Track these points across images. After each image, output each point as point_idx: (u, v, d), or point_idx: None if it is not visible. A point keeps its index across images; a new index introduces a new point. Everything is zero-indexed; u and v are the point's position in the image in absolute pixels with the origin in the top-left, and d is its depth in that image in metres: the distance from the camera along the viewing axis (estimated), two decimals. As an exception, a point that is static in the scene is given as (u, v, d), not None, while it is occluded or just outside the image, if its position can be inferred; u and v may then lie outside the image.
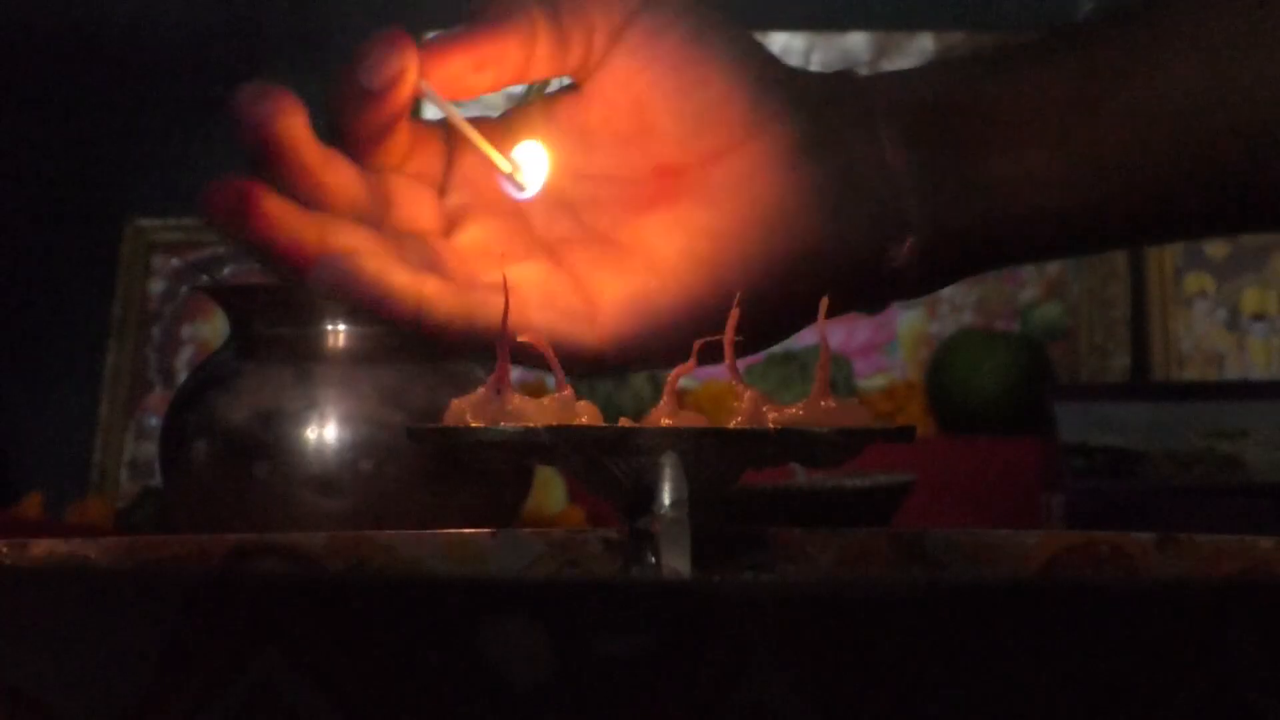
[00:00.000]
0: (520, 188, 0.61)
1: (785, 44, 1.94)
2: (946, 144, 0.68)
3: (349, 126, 0.62)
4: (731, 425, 0.55)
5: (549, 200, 0.64)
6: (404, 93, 0.61)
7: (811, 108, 0.66)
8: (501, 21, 0.62)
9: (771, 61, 0.66)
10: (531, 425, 0.54)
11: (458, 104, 0.62)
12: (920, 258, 0.66)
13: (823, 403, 0.55)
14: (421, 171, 0.63)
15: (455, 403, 0.55)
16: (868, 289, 0.66)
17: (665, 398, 0.56)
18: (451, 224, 0.63)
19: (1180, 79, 0.69)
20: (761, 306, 0.60)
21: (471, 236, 0.63)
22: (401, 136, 0.62)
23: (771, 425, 0.55)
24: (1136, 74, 0.69)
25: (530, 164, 0.61)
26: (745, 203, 0.64)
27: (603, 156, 0.65)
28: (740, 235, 0.63)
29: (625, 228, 0.65)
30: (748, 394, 0.56)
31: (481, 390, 0.55)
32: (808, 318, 0.65)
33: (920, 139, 0.67)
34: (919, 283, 0.67)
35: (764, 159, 0.65)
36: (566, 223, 0.65)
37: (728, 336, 0.57)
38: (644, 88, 0.64)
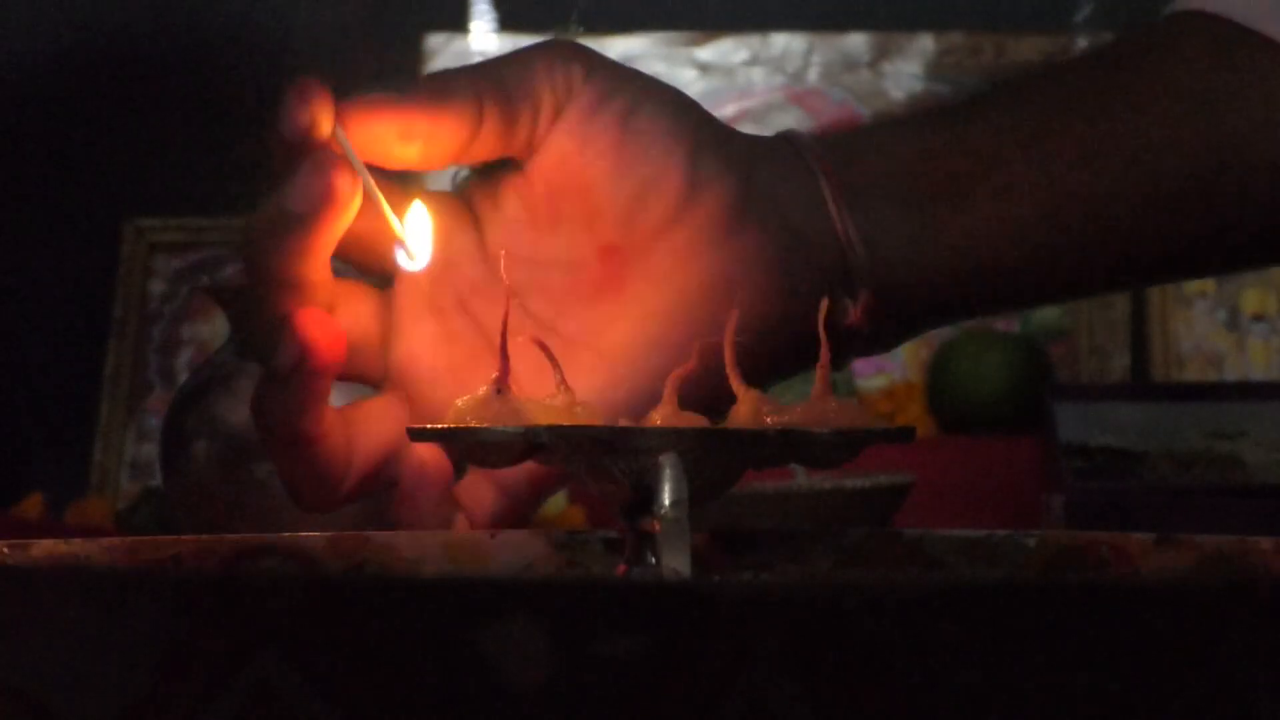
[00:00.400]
0: (410, 258, 0.61)
1: (785, 44, 1.94)
2: (892, 201, 0.67)
3: (277, 245, 0.60)
4: (731, 426, 0.55)
5: (495, 291, 0.64)
6: (318, 143, 0.60)
7: (747, 169, 0.65)
8: (442, 98, 0.61)
9: (707, 125, 0.65)
10: (532, 425, 0.54)
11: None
12: (872, 315, 0.66)
13: (823, 403, 0.55)
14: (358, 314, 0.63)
15: (456, 402, 0.55)
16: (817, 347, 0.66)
17: (665, 398, 0.56)
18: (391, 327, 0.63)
19: (1130, 126, 0.69)
20: (719, 375, 0.58)
21: (411, 344, 0.63)
22: (324, 271, 0.61)
23: (772, 426, 0.55)
24: (1083, 123, 0.69)
25: (417, 236, 0.61)
26: (691, 277, 0.64)
27: (548, 239, 0.65)
28: (688, 312, 0.63)
29: (573, 319, 0.64)
30: (748, 395, 0.56)
31: (482, 390, 0.55)
32: (770, 376, 0.65)
33: (865, 197, 0.67)
34: (874, 340, 0.67)
35: (704, 229, 0.64)
36: (514, 316, 0.64)
37: (728, 338, 0.57)
38: (582, 167, 0.63)
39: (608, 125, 0.63)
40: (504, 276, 0.57)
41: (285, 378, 0.59)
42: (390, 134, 0.61)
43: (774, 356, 0.64)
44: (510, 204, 0.64)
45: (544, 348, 0.56)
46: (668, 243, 0.64)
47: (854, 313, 0.66)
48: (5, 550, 0.53)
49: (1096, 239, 0.69)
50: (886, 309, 0.66)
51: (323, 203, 0.59)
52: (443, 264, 0.63)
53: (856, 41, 1.93)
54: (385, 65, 1.90)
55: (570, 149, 0.63)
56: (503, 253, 0.60)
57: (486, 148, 0.63)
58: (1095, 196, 0.69)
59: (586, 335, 0.63)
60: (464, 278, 0.64)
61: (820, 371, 0.56)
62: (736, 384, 0.56)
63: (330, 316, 0.60)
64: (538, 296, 0.64)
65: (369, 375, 0.63)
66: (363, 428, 0.62)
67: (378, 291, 0.64)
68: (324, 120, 0.60)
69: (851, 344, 0.67)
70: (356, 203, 0.60)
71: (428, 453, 0.62)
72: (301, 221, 0.59)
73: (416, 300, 0.64)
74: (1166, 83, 0.70)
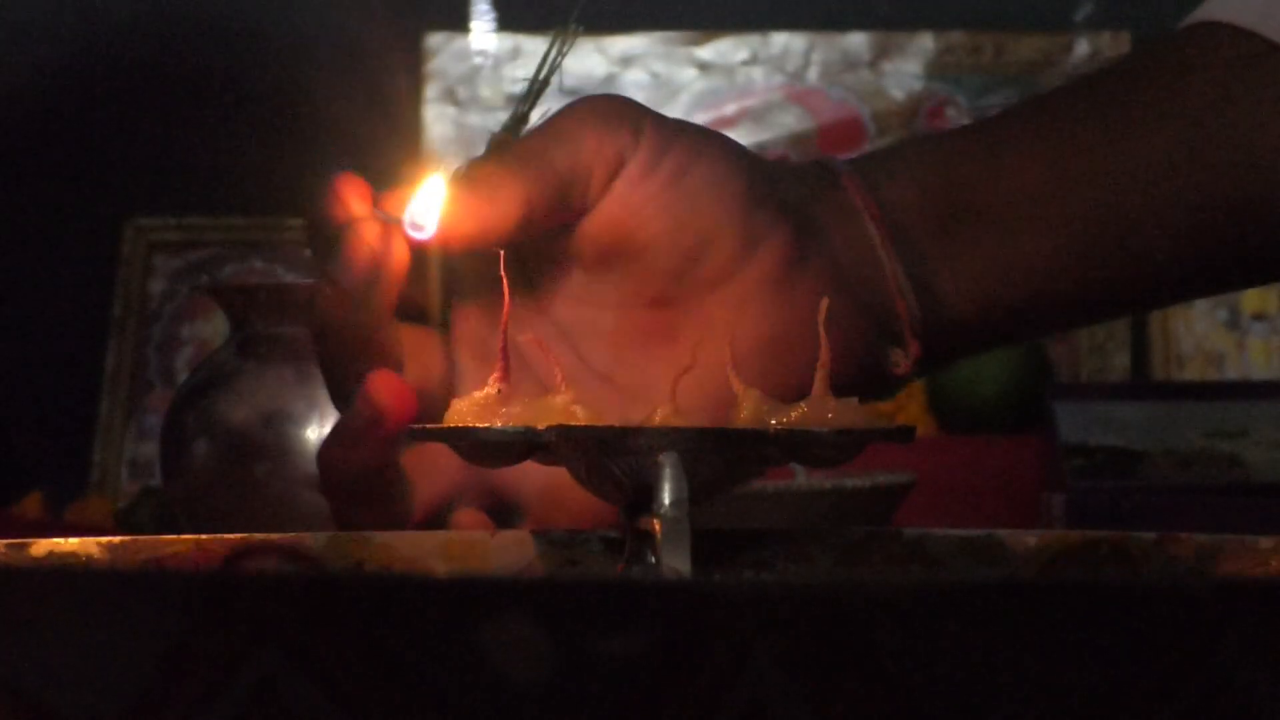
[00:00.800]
0: (419, 228, 0.60)
1: (785, 44, 1.94)
2: (935, 239, 0.67)
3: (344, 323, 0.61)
4: (732, 425, 0.55)
5: (548, 331, 0.64)
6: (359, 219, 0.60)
7: (799, 217, 0.65)
8: (491, 199, 0.61)
9: (758, 172, 0.65)
10: (532, 425, 0.54)
11: None
12: (921, 365, 0.66)
13: (823, 403, 0.55)
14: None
15: (456, 402, 0.56)
16: (868, 386, 0.66)
17: (666, 398, 0.56)
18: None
19: (1155, 146, 0.69)
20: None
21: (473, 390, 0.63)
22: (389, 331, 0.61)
23: (772, 426, 0.55)
24: (1112, 145, 0.69)
25: (427, 202, 0.60)
26: (747, 330, 0.63)
27: (599, 286, 0.64)
28: (739, 365, 0.63)
29: (624, 366, 0.64)
30: (748, 395, 0.56)
31: (482, 390, 0.55)
32: None
33: (910, 239, 0.67)
34: (915, 374, 0.67)
35: (757, 283, 0.64)
36: (567, 358, 0.64)
37: (729, 337, 0.57)
38: (636, 229, 0.63)
39: (662, 188, 0.63)
40: (503, 275, 0.57)
41: (357, 439, 0.60)
42: (439, 237, 0.60)
43: None
44: (563, 258, 0.64)
45: (544, 347, 0.56)
46: (723, 296, 0.64)
47: (904, 364, 0.66)
48: (5, 550, 0.53)
49: (1130, 262, 0.69)
50: (932, 346, 0.67)
51: (376, 274, 0.59)
52: (496, 311, 0.62)
53: (856, 41, 1.93)
54: (386, 65, 1.90)
55: (624, 214, 0.63)
56: (501, 252, 0.60)
57: (538, 230, 0.62)
58: (1127, 219, 0.68)
59: (642, 387, 0.63)
60: (520, 324, 0.63)
61: (820, 372, 0.56)
62: (737, 384, 0.56)
63: (400, 380, 0.60)
64: (589, 339, 0.64)
65: (434, 419, 0.64)
66: (424, 474, 0.62)
67: (439, 337, 0.64)
68: (361, 211, 0.60)
69: (898, 380, 0.67)
70: (406, 259, 0.60)
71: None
72: (360, 294, 0.60)
73: (475, 346, 0.64)
74: (1190, 100, 0.70)
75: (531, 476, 0.59)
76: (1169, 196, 0.69)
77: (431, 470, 0.62)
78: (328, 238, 0.60)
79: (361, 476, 0.60)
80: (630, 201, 0.63)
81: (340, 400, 0.62)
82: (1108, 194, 0.68)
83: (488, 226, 0.60)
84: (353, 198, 0.60)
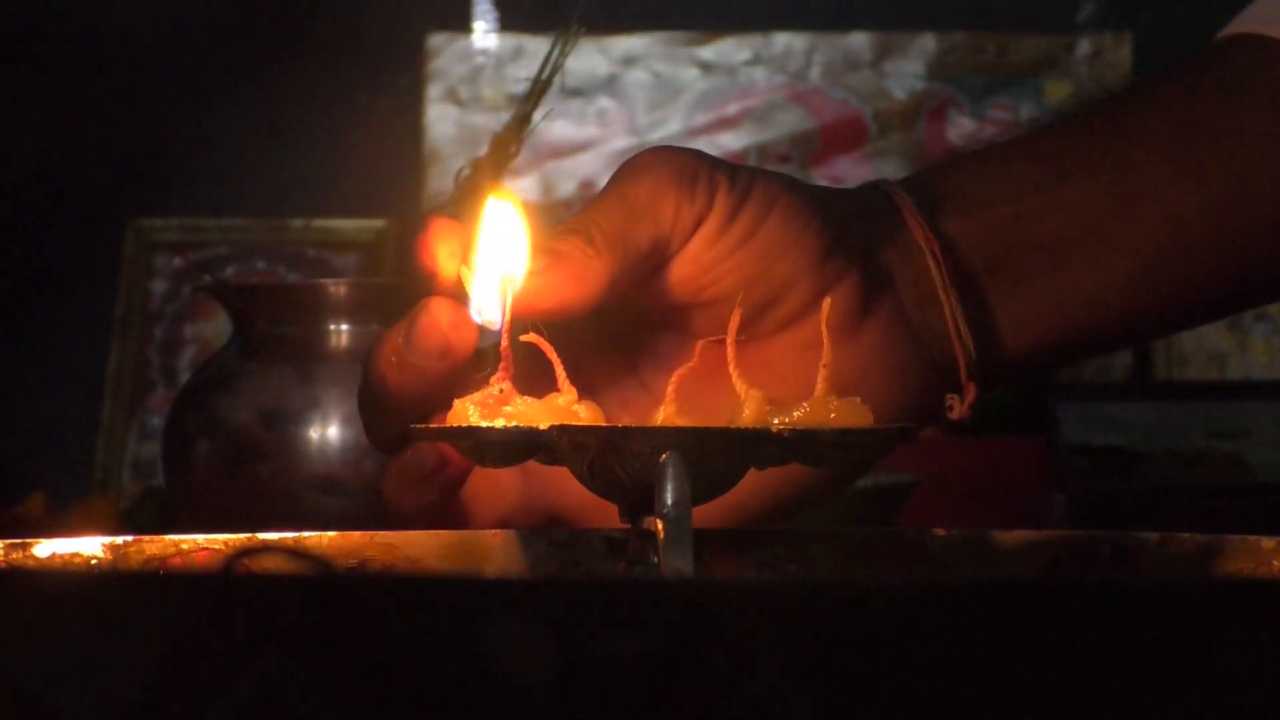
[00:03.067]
0: (496, 309, 0.60)
1: (787, 44, 1.94)
2: (994, 273, 0.67)
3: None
4: (735, 425, 0.55)
5: (607, 348, 0.64)
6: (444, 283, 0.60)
7: (866, 259, 0.65)
8: (570, 274, 0.60)
9: (830, 214, 0.65)
10: (534, 425, 0.54)
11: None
12: (977, 408, 0.67)
13: (826, 404, 0.55)
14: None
15: (458, 402, 0.55)
16: (922, 423, 0.66)
17: (668, 399, 0.56)
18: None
19: (1211, 175, 0.69)
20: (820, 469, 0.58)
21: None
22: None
23: (775, 426, 0.55)
24: (1170, 175, 0.69)
25: (508, 277, 0.59)
26: (807, 375, 0.63)
27: (666, 315, 0.65)
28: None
29: (690, 403, 0.64)
30: (751, 395, 0.56)
31: (484, 390, 0.55)
32: (865, 467, 0.65)
33: (971, 277, 0.67)
34: (969, 417, 0.68)
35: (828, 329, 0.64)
36: (628, 380, 0.64)
37: (730, 338, 0.57)
38: (710, 283, 0.63)
39: (735, 246, 0.63)
40: (506, 278, 0.57)
41: (423, 480, 0.60)
42: (519, 309, 0.60)
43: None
44: (631, 304, 0.64)
45: (545, 347, 0.56)
46: (786, 341, 0.64)
47: (960, 409, 0.66)
48: (6, 550, 0.53)
49: (1189, 286, 0.69)
50: (985, 390, 0.67)
51: (441, 356, 0.60)
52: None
53: (858, 41, 1.93)
54: (388, 65, 1.90)
55: (697, 272, 0.63)
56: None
57: (618, 294, 0.62)
58: (1189, 245, 0.68)
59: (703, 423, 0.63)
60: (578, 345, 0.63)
61: (822, 371, 0.56)
62: (739, 384, 0.56)
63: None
64: (649, 364, 0.65)
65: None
66: (481, 497, 0.63)
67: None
68: (451, 266, 0.60)
69: (951, 426, 0.67)
70: (473, 346, 0.60)
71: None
72: (416, 369, 0.60)
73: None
74: (1248, 121, 0.69)
75: (578, 493, 0.59)
76: (1230, 220, 0.68)
77: (489, 492, 0.63)
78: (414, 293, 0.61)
79: (426, 511, 0.61)
80: (703, 261, 0.63)
81: (377, 438, 0.63)
82: (1162, 223, 0.68)
83: (569, 303, 0.60)
84: (444, 252, 0.60)
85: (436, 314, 0.60)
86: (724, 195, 0.63)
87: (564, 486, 0.60)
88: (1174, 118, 0.70)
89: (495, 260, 0.58)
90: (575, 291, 0.60)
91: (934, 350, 0.67)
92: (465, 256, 0.60)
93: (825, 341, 0.56)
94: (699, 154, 0.63)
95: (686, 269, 0.63)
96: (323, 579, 0.40)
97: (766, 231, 0.63)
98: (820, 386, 0.56)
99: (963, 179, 0.69)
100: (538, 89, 1.02)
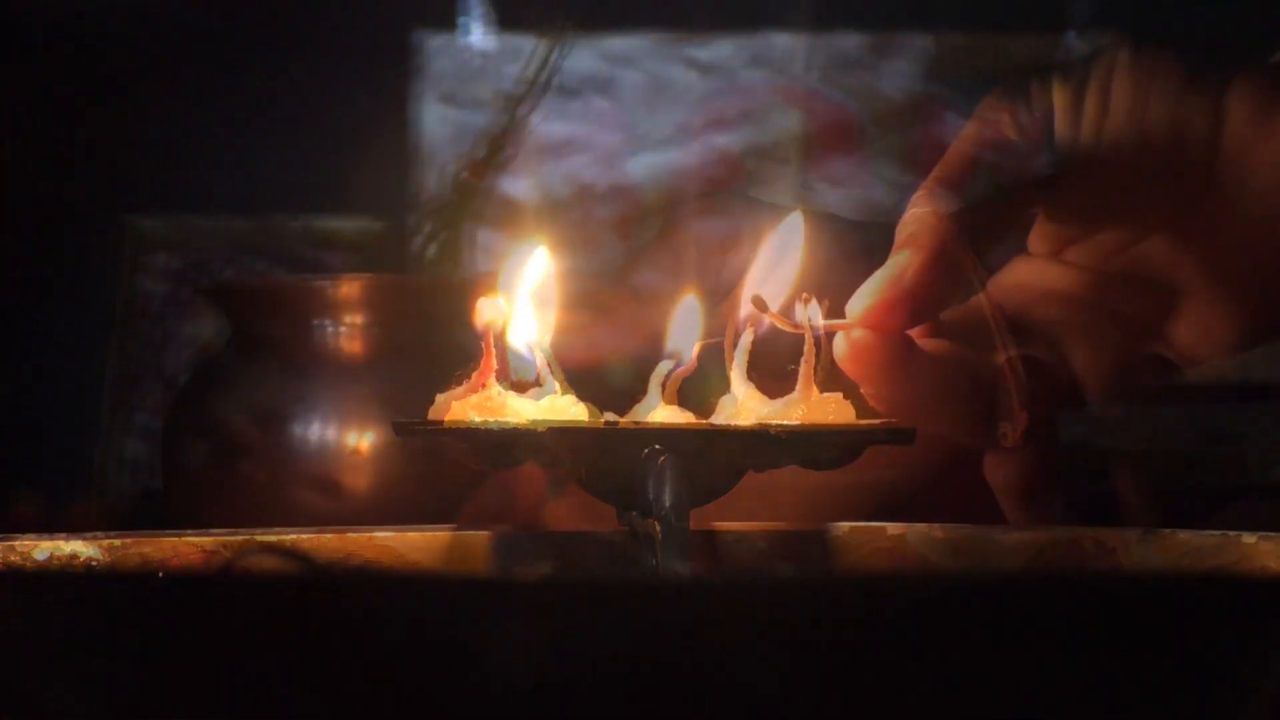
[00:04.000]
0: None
1: (783, 45, 1.94)
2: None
3: None
4: (732, 425, 0.55)
5: None
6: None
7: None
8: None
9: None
10: (532, 426, 0.54)
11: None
12: (1028, 436, 0.67)
13: (824, 404, 0.55)
14: None
15: (456, 403, 0.55)
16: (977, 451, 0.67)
17: (665, 399, 0.56)
18: None
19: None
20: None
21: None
22: None
23: (772, 426, 0.55)
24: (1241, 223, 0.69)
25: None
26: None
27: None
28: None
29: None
30: (748, 395, 0.56)
31: (480, 389, 0.55)
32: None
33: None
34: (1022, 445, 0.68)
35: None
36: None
37: (728, 339, 0.57)
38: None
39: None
40: (511, 281, 0.57)
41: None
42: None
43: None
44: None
45: (545, 347, 0.56)
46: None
47: (1013, 437, 0.67)
48: (5, 550, 0.53)
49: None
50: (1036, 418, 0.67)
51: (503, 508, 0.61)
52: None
53: (854, 42, 1.93)
54: (379, 63, 1.90)
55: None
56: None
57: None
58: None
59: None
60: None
61: (804, 369, 0.56)
62: (738, 384, 0.56)
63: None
64: None
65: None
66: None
67: None
68: (493, 328, 0.60)
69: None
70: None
71: None
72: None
73: None
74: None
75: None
76: None
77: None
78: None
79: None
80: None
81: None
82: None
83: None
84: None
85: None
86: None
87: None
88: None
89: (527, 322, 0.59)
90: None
91: (986, 379, 0.67)
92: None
93: (809, 339, 0.56)
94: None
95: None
96: (320, 579, 0.40)
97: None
98: (802, 384, 0.56)
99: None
100: (532, 88, 1.02)
